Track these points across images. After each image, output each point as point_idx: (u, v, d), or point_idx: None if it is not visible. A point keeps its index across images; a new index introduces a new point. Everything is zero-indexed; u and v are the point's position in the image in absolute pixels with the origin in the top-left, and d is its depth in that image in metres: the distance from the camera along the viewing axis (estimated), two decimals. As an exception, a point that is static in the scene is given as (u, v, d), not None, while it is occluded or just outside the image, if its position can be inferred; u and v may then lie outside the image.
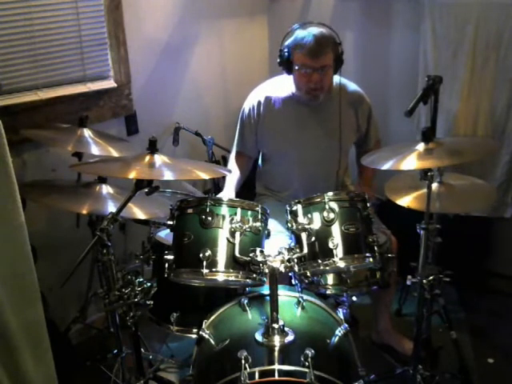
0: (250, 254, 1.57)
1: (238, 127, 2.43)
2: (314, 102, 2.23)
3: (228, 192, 2.21)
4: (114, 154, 1.99)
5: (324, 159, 2.31)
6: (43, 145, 2.27)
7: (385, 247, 1.95)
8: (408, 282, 1.73)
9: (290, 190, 2.37)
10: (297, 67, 2.14)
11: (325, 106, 2.27)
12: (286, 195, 2.36)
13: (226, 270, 1.57)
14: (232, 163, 2.42)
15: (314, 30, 2.11)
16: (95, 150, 1.99)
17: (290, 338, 1.53)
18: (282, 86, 2.31)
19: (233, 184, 2.26)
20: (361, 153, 2.47)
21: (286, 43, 2.16)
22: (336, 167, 2.30)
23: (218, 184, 2.75)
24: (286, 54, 2.15)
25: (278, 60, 2.19)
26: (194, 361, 1.62)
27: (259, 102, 2.33)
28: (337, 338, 1.60)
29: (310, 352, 1.42)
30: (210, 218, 1.59)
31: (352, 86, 2.34)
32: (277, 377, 1.40)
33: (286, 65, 2.17)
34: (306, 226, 1.65)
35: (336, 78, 2.26)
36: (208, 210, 1.60)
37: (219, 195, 2.18)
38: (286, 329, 1.54)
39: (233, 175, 2.29)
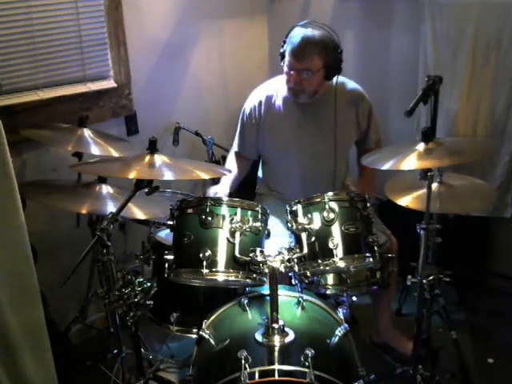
0: (250, 254, 1.57)
1: (239, 128, 2.42)
2: (296, 100, 2.24)
3: (223, 188, 2.20)
4: (114, 154, 1.99)
5: (321, 159, 2.31)
6: (43, 145, 2.27)
7: (385, 247, 1.96)
8: (408, 282, 1.73)
9: (290, 190, 2.36)
10: (284, 65, 2.17)
11: (322, 106, 2.27)
12: (287, 196, 2.35)
13: (226, 269, 1.58)
14: (229, 162, 2.42)
15: (308, 32, 2.11)
16: (95, 150, 1.98)
17: (290, 337, 1.52)
18: (282, 85, 2.30)
19: (228, 181, 2.26)
20: (361, 152, 2.47)
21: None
22: (332, 167, 2.30)
23: (217, 184, 2.74)
24: (282, 52, 2.18)
25: (279, 57, 2.21)
26: (194, 361, 1.62)
27: (260, 102, 2.33)
28: (337, 338, 1.60)
29: (309, 352, 1.42)
30: (209, 218, 1.59)
31: (352, 84, 2.34)
32: (277, 377, 1.40)
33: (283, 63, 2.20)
34: (306, 226, 1.65)
35: (334, 78, 2.25)
36: (208, 210, 1.60)
37: (213, 189, 2.18)
38: (286, 329, 1.54)
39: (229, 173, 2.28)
